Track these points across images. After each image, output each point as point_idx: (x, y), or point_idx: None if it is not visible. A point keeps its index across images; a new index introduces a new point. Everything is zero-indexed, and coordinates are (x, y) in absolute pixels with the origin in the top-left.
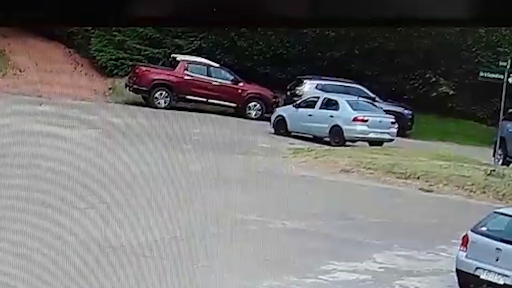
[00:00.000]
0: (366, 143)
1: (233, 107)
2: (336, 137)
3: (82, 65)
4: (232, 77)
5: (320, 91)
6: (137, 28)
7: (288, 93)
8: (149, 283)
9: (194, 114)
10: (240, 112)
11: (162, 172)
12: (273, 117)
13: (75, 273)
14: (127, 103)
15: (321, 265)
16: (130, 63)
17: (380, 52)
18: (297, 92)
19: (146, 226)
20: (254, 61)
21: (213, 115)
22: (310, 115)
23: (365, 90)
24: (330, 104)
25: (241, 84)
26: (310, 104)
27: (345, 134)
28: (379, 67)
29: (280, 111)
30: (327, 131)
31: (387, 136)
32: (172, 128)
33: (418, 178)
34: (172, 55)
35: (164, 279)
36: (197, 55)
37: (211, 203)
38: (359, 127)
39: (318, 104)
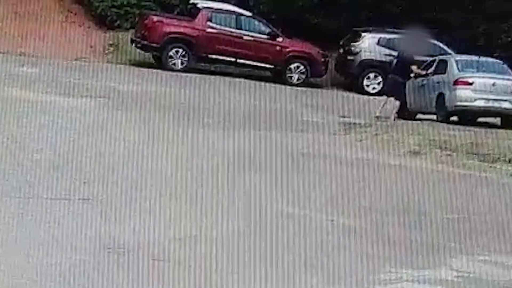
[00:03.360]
0: (494, 119)
1: (270, 70)
2: (440, 109)
3: (75, 13)
4: (268, 30)
5: (382, 48)
6: None
7: (341, 50)
8: None
9: (219, 78)
10: (279, 76)
11: (182, 154)
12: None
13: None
14: (134, 64)
15: (380, 273)
16: (137, 11)
17: None
18: (352, 49)
19: (156, 222)
20: (297, 8)
21: (244, 80)
22: (422, 85)
23: (442, 45)
24: (440, 67)
25: (280, 39)
26: (426, 70)
27: (446, 104)
28: (461, 14)
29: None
30: (434, 103)
31: (506, 105)
32: (192, 96)
33: (509, 161)
34: (191, 1)
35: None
36: (224, 1)
37: (240, 194)
38: (461, 92)
39: (432, 69)
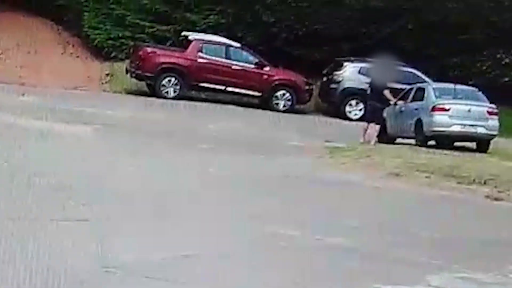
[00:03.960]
0: (470, 144)
1: (257, 97)
2: (418, 133)
3: (73, 45)
4: (256, 60)
5: (363, 76)
6: None
7: (325, 78)
8: None
9: (209, 105)
10: (265, 103)
11: (173, 177)
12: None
13: None
14: (129, 92)
15: None
16: (132, 43)
17: (440, 28)
18: (335, 78)
19: (152, 242)
20: (283, 40)
21: (233, 107)
22: (401, 111)
23: (420, 74)
24: (418, 95)
25: (267, 68)
26: (405, 98)
27: (424, 128)
28: (439, 46)
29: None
30: (413, 128)
31: (481, 130)
32: (183, 123)
33: (484, 183)
34: (183, 33)
35: None
36: (214, 33)
37: (231, 214)
38: (438, 117)
39: (410, 96)
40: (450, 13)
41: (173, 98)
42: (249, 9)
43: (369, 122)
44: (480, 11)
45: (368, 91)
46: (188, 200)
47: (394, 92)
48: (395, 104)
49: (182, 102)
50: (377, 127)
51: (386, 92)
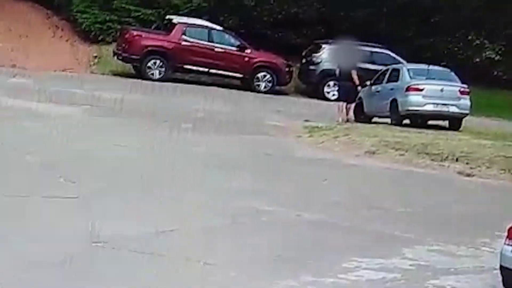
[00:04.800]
0: (443, 122)
1: (239, 78)
2: (394, 113)
3: (62, 29)
4: (237, 43)
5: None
6: None
7: (304, 60)
8: (142, 282)
9: (193, 86)
10: (247, 84)
11: (159, 156)
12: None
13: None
14: (116, 74)
15: (342, 262)
16: (119, 26)
17: (413, 11)
18: (314, 59)
19: (139, 217)
20: (264, 23)
21: (216, 88)
22: (378, 91)
23: (394, 55)
24: (393, 76)
25: (248, 50)
26: (381, 78)
27: (399, 108)
28: (412, 28)
29: (360, 93)
30: (388, 107)
31: (453, 110)
32: (168, 103)
33: (456, 160)
34: (167, 17)
35: (162, 278)
36: (197, 17)
37: (214, 191)
38: (412, 97)
39: (386, 77)
40: None
41: (158, 80)
42: None
43: (341, 101)
44: None
45: (337, 72)
46: (171, 178)
47: (368, 72)
48: (360, 86)
49: (166, 84)
50: (350, 105)
51: (353, 73)
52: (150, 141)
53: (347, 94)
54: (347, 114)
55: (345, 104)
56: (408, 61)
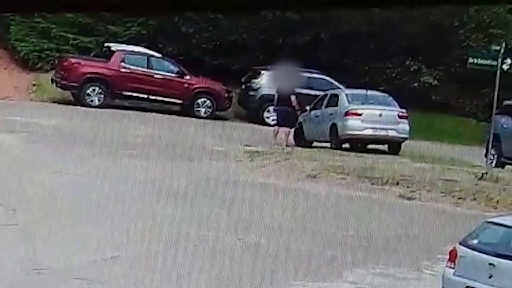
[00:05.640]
0: (382, 146)
1: (179, 104)
2: (333, 137)
3: (0, 57)
4: (176, 69)
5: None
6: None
7: (243, 86)
8: None
9: (133, 113)
10: (187, 110)
11: (97, 183)
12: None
13: None
14: (55, 101)
15: (285, 286)
16: (57, 54)
17: (351, 37)
18: (253, 85)
19: (80, 245)
20: (202, 50)
21: (155, 114)
22: (317, 116)
23: (333, 81)
24: (332, 101)
25: (187, 77)
26: (320, 103)
27: (339, 132)
28: (351, 55)
29: (300, 118)
30: (328, 132)
31: (392, 134)
32: (108, 130)
33: (397, 183)
34: (106, 44)
35: None
36: (136, 44)
37: (155, 217)
38: (351, 122)
39: (325, 102)
40: (360, 24)
41: (98, 107)
42: (169, 20)
43: (280, 126)
44: (389, 21)
45: (276, 97)
46: (112, 205)
47: (306, 98)
48: (299, 111)
49: (106, 111)
50: (289, 130)
51: (293, 98)
52: (90, 168)
53: (286, 119)
54: (286, 140)
55: (284, 129)
56: (347, 87)
